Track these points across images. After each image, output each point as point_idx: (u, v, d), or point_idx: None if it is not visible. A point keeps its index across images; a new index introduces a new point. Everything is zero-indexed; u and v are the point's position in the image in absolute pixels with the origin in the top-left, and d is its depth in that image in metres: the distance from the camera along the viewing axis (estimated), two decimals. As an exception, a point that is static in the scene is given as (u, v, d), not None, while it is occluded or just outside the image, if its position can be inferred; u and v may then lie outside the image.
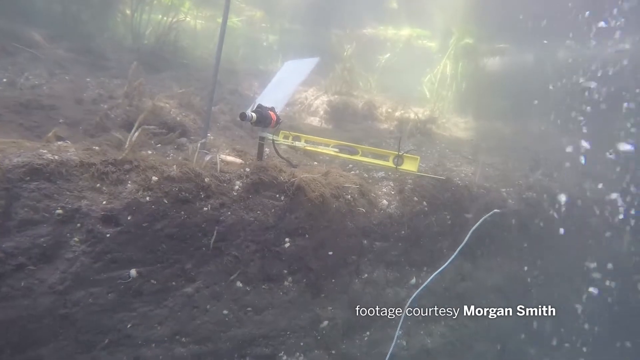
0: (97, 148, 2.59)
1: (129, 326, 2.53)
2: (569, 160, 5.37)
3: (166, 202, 2.51)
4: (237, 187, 2.74)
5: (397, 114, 6.12)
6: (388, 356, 3.51)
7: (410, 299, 3.58)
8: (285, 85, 3.76)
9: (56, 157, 2.34)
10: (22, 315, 2.22)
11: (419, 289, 3.57)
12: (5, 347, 2.22)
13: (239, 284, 2.78)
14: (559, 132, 6.46)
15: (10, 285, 2.20)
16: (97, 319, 2.44)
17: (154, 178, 2.50)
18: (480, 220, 3.87)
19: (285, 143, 4.12)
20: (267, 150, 3.46)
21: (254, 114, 2.87)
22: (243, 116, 2.82)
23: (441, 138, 6.04)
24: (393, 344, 3.55)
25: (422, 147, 5.39)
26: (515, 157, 5.40)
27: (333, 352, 3.34)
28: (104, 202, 2.40)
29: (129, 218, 2.43)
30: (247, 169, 2.82)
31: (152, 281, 2.55)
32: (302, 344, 3.14)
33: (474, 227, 3.86)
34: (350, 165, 4.01)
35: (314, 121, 5.57)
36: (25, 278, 2.24)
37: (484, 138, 6.32)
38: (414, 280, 3.71)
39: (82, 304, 2.38)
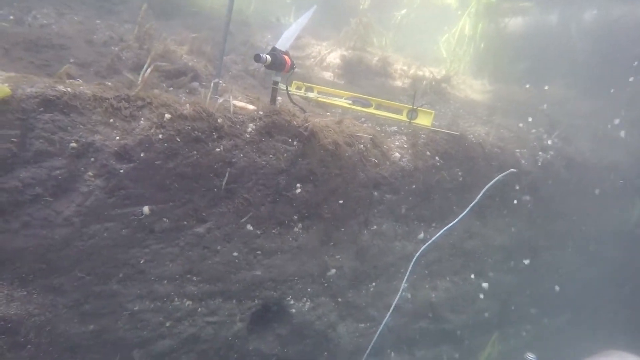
0: (109, 84, 2.55)
1: (142, 262, 2.59)
2: (588, 125, 5.26)
3: (179, 140, 2.49)
4: (250, 129, 2.71)
5: (412, 71, 5.96)
6: (392, 307, 3.59)
7: (418, 253, 3.61)
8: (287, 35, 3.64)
9: (69, 89, 2.31)
10: (41, 244, 2.27)
11: (427, 243, 3.60)
12: (29, 274, 2.28)
13: (249, 227, 2.81)
14: (579, 96, 6.29)
15: (30, 215, 2.24)
16: (112, 253, 2.49)
17: (167, 116, 2.47)
18: (495, 179, 3.84)
19: (298, 94, 4.05)
20: (279, 98, 3.40)
21: (268, 57, 2.80)
22: (257, 58, 2.75)
23: (455, 98, 5.90)
24: (398, 295, 3.62)
25: (435, 106, 5.27)
26: (532, 120, 5.27)
27: (339, 300, 3.42)
28: (117, 138, 2.39)
29: (141, 155, 2.43)
30: (261, 112, 2.78)
31: (164, 219, 2.58)
32: (309, 290, 3.21)
33: (487, 186, 3.84)
34: (363, 119, 3.95)
35: (327, 76, 5.45)
36: (42, 209, 2.27)
37: (500, 101, 6.17)
38: (422, 235, 3.73)
39: (98, 238, 2.43)
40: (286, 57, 2.98)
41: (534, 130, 4.96)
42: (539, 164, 4.45)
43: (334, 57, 5.78)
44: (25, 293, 2.30)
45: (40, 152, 2.23)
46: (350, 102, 3.98)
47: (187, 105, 2.56)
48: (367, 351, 3.53)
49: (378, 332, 3.54)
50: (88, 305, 2.50)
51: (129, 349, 2.69)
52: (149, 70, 2.57)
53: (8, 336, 2.26)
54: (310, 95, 4.07)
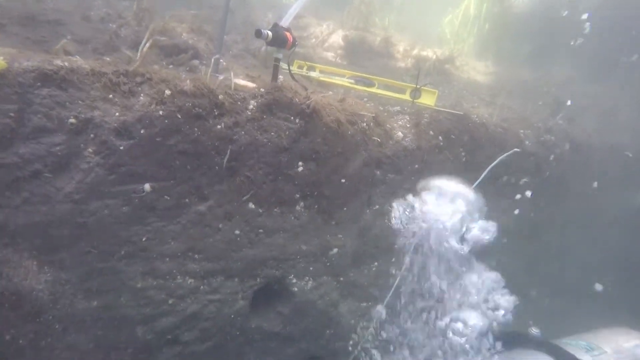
0: (108, 59, 2.50)
1: (143, 239, 2.58)
2: (594, 106, 5.20)
3: (179, 117, 2.46)
4: (251, 106, 2.68)
5: (415, 52, 5.87)
6: (394, 288, 3.59)
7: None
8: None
9: (66, 63, 2.26)
10: (42, 221, 2.27)
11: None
12: (31, 249, 2.28)
13: (251, 205, 2.79)
14: (585, 78, 6.20)
15: (29, 191, 2.23)
16: (113, 230, 2.49)
17: (167, 92, 2.43)
18: (498, 159, 3.80)
19: (300, 73, 3.99)
20: (281, 77, 3.35)
21: (269, 32, 2.74)
22: (258, 33, 2.69)
23: (459, 79, 5.83)
24: (399, 276, 3.62)
25: (438, 87, 5.19)
26: (536, 101, 5.21)
27: (341, 279, 3.42)
28: (117, 114, 2.36)
29: (142, 131, 2.40)
30: (262, 89, 2.74)
31: (166, 197, 2.57)
32: (311, 268, 3.21)
33: (490, 166, 3.81)
34: (365, 99, 3.90)
35: (329, 56, 5.37)
36: (42, 185, 2.25)
37: (504, 82, 6.09)
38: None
39: (98, 215, 2.42)
40: (288, 33, 2.92)
41: (538, 111, 4.91)
42: (543, 145, 4.41)
43: (336, 37, 5.69)
44: (28, 268, 2.30)
45: (38, 127, 2.20)
46: (352, 81, 3.92)
47: (188, 81, 2.52)
48: (369, 329, 3.55)
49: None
50: (91, 282, 2.51)
51: (133, 325, 2.71)
52: (147, 44, 2.52)
53: (12, 310, 2.27)
54: (312, 74, 4.01)
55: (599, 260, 5.27)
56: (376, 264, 3.57)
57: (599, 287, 4.70)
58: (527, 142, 4.32)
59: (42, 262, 2.34)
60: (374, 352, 3.43)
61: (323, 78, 3.97)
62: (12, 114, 2.10)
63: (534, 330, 3.06)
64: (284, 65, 3.30)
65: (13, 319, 2.34)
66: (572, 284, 5.14)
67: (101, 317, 2.61)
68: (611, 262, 5.22)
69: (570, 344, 2.51)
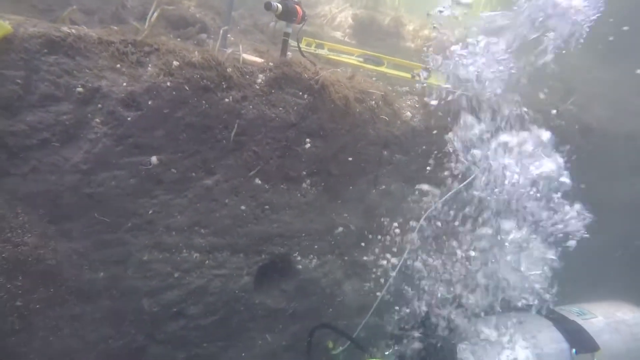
0: (115, 28, 2.47)
1: (150, 212, 2.58)
2: (606, 93, 5.10)
3: (187, 89, 2.43)
4: (259, 80, 2.64)
5: (424, 32, 5.76)
6: (397, 268, 3.59)
7: (426, 214, 3.58)
8: None
9: (74, 31, 2.23)
10: (51, 190, 2.27)
11: (435, 205, 3.56)
12: (39, 219, 2.29)
13: (257, 180, 2.78)
14: (597, 65, 6.07)
15: (38, 159, 2.22)
16: (120, 202, 2.49)
17: (175, 63, 2.40)
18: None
19: (308, 50, 3.93)
20: (289, 54, 3.30)
21: (279, 5, 2.69)
22: (268, 5, 2.64)
23: (469, 62, 5.73)
24: (403, 257, 3.61)
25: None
26: (547, 86, 5.11)
27: (346, 258, 3.43)
28: (124, 84, 2.33)
29: (149, 103, 2.38)
30: (271, 63, 2.70)
31: (173, 170, 2.56)
32: (316, 247, 3.21)
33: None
34: (374, 78, 3.84)
35: (337, 35, 5.29)
36: (50, 154, 2.25)
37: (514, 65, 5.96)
38: (429, 198, 3.69)
39: (106, 186, 2.42)
40: (298, 7, 2.86)
41: (547, 96, 4.82)
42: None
43: (345, 16, 5.59)
44: (36, 237, 2.31)
45: (46, 95, 2.18)
46: (361, 59, 3.87)
47: (196, 52, 2.48)
48: (371, 310, 3.56)
49: (383, 291, 3.56)
50: (98, 253, 2.52)
51: (139, 297, 2.73)
52: (155, 14, 2.48)
53: (21, 278, 2.29)
54: (321, 52, 3.95)
55: (601, 246, 5.24)
56: (380, 244, 3.57)
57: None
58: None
59: (51, 231, 2.35)
60: None
61: (332, 56, 3.92)
62: (19, 81, 2.08)
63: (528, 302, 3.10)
64: (292, 42, 3.25)
65: (22, 286, 2.37)
66: (571, 268, 5.13)
67: (108, 288, 2.63)
68: (615, 249, 5.20)
69: (563, 310, 2.56)
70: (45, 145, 2.21)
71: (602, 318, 2.65)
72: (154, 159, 2.48)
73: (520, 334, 2.21)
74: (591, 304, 2.93)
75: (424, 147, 3.51)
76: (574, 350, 2.23)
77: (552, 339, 2.25)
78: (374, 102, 3.11)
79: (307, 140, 2.83)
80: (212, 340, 3.11)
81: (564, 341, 2.26)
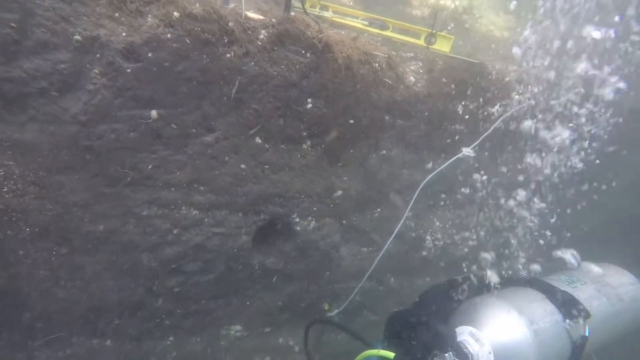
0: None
1: (149, 167, 2.58)
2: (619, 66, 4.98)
3: (188, 42, 2.38)
4: (262, 36, 2.58)
5: (432, 0, 5.61)
6: (394, 234, 3.61)
7: (424, 181, 3.58)
8: None
9: (71, -25, 2.16)
10: (50, 140, 2.26)
11: (435, 172, 3.55)
12: (39, 169, 2.29)
13: (258, 140, 2.77)
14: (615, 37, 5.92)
15: (36, 109, 2.20)
16: (120, 156, 2.48)
17: (176, 14, 2.34)
18: (512, 111, 3.72)
19: (312, 12, 3.83)
20: (293, 13, 3.22)
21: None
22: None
23: (476, 32, 5.60)
24: (400, 223, 3.63)
25: (455, 38, 5.03)
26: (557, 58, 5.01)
27: (344, 222, 3.45)
28: (124, 34, 2.28)
29: (149, 55, 2.33)
30: (274, 20, 2.63)
31: (172, 125, 2.54)
32: (315, 209, 3.23)
33: (501, 118, 3.72)
34: (379, 43, 3.76)
35: (341, 1, 5.14)
36: (49, 104, 2.23)
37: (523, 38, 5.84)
38: (430, 165, 3.68)
39: (105, 139, 2.40)
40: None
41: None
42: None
43: (351, -20, 5.42)
44: (37, 188, 2.32)
45: (43, 42, 2.14)
46: (366, 23, 3.78)
47: (197, 4, 2.42)
48: (367, 274, 3.61)
49: (379, 257, 3.60)
50: (98, 206, 2.54)
51: (139, 252, 2.77)
52: (156, -38, 2.39)
53: (23, 227, 2.32)
54: (325, 14, 3.85)
55: (601, 226, 5.27)
56: (379, 210, 3.59)
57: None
58: (541, 99, 4.20)
59: (51, 182, 2.35)
60: None
61: (336, 18, 3.82)
62: (13, 24, 2.03)
63: (522, 273, 3.11)
64: (296, 4, 3.16)
65: (22, 237, 2.39)
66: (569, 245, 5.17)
67: (108, 241, 2.66)
68: (618, 227, 5.22)
69: (552, 279, 2.58)
70: (44, 94, 2.19)
71: (590, 284, 2.67)
72: (153, 113, 2.46)
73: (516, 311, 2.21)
74: (577, 270, 2.94)
75: (426, 113, 3.48)
76: (567, 320, 2.25)
77: (546, 312, 2.27)
78: (377, 64, 3.06)
79: (309, 100, 2.79)
80: (211, 298, 3.18)
81: (558, 312, 2.28)
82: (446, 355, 2.00)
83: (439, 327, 2.16)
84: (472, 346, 2.12)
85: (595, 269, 2.83)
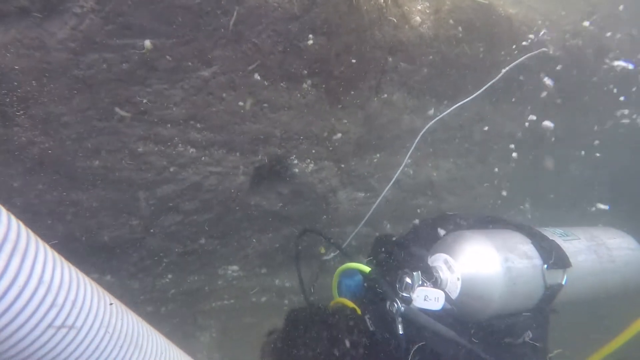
0: None
1: (144, 101, 2.49)
2: (632, 13, 4.78)
3: (182, -36, 2.22)
4: (261, -39, 2.41)
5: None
6: (393, 180, 3.61)
7: (425, 128, 3.53)
8: None
9: None
10: (37, 67, 2.15)
11: (436, 119, 3.49)
12: (26, 99, 2.20)
13: (256, 76, 2.67)
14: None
15: (19, 31, 2.07)
16: (112, 88, 2.39)
17: None
18: (521, 59, 3.60)
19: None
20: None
21: None
22: None
23: (487, -25, 5.31)
24: (399, 170, 3.62)
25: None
26: (569, 3, 4.79)
27: (342, 166, 3.43)
28: (112, -47, 2.11)
29: (141, -23, 2.18)
30: (274, -57, 2.45)
31: (167, 57, 2.42)
32: (313, 151, 3.19)
33: (510, 66, 3.61)
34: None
35: None
36: (32, 27, 2.09)
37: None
38: (432, 111, 3.61)
39: (96, 69, 2.30)
40: None
41: (566, 13, 4.54)
42: (567, 50, 4.15)
43: None
44: (27, 118, 2.25)
45: (24, -43, 1.98)
46: (372, -43, 3.54)
47: None
48: (364, 219, 3.64)
49: (376, 203, 3.62)
50: (92, 140, 2.48)
51: (135, 189, 2.75)
52: None
53: (17, 161, 2.27)
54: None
55: (602, 180, 5.28)
56: (378, 155, 3.56)
57: (602, 206, 4.76)
58: (551, 46, 4.05)
59: (40, 114, 2.27)
60: None
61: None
62: None
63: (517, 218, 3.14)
64: None
65: (18, 171, 2.36)
66: (564, 199, 5.21)
67: (103, 177, 2.63)
68: (615, 183, 5.23)
69: (546, 230, 2.59)
70: (25, 15, 2.04)
71: (584, 240, 2.66)
72: (147, 42, 2.33)
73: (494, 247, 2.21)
74: (582, 228, 2.95)
75: (430, 57, 3.35)
76: (545, 265, 2.26)
77: (525, 254, 2.27)
78: (382, 0, 2.90)
79: (310, 36, 2.66)
80: (208, 238, 3.21)
81: (538, 258, 2.29)
82: (414, 274, 2.04)
83: (413, 249, 2.27)
84: (443, 272, 2.18)
85: (598, 230, 2.82)
